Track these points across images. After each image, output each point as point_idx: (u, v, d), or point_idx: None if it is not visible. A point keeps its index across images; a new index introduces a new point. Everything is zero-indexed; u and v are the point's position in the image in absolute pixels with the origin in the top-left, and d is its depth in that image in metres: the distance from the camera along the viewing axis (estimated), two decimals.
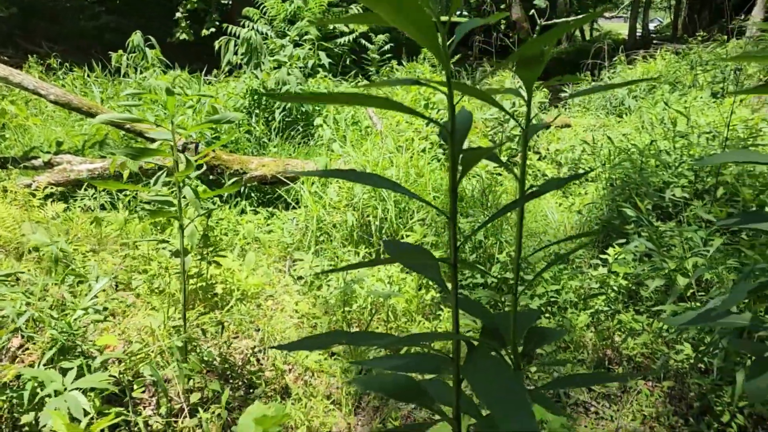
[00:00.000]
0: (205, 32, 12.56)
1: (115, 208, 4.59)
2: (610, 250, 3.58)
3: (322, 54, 6.93)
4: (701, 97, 7.01)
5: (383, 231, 4.09)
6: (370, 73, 9.86)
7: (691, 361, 3.08)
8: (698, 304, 3.31)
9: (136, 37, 7.89)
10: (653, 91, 7.97)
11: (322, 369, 2.64)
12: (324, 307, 3.37)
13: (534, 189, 0.97)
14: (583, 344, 3.33)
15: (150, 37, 8.10)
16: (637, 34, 19.82)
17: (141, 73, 7.63)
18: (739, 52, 9.10)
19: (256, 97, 6.13)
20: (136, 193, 4.53)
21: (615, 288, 3.50)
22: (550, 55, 0.94)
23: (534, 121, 6.82)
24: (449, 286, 1.06)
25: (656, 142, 4.96)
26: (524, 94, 0.98)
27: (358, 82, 7.85)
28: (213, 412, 2.20)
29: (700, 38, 10.66)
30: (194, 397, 2.22)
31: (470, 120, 0.94)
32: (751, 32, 11.17)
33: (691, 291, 3.44)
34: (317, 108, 6.25)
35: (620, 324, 3.37)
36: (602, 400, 2.97)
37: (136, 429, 2.07)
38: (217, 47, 8.14)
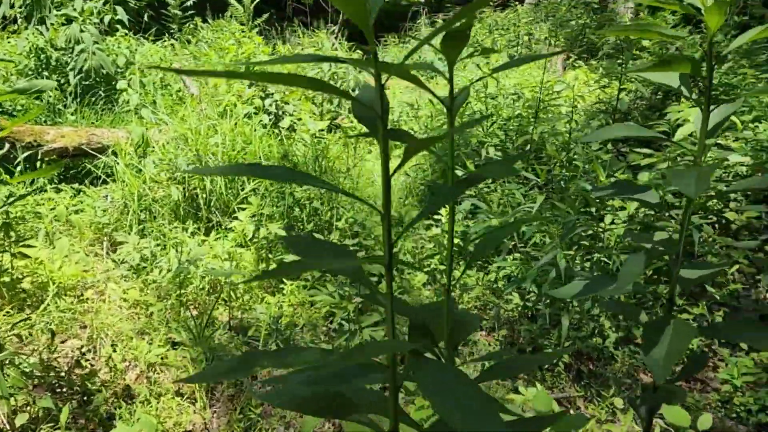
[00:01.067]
0: None
1: None
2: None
3: (120, 9, 6.23)
4: (502, 60, 7.54)
5: (212, 204, 3.84)
6: (172, 30, 9.13)
7: (520, 308, 3.35)
8: (520, 255, 3.60)
9: None
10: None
11: (168, 363, 2.42)
12: (156, 292, 3.09)
13: (465, 175, 0.91)
14: (420, 302, 3.46)
15: None
16: None
17: None
18: (527, 16, 9.96)
19: (43, 57, 5.34)
20: None
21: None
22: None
23: (352, 82, 6.78)
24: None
25: (470, 103, 5.24)
26: (441, 70, 0.93)
27: (164, 41, 7.21)
28: None
29: (493, 3, 11.43)
30: (20, 419, 1.90)
31: (387, 102, 0.86)
32: None
33: (513, 243, 3.74)
34: (119, 69, 5.63)
35: (455, 280, 3.55)
36: None
37: None
38: None
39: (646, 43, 5.96)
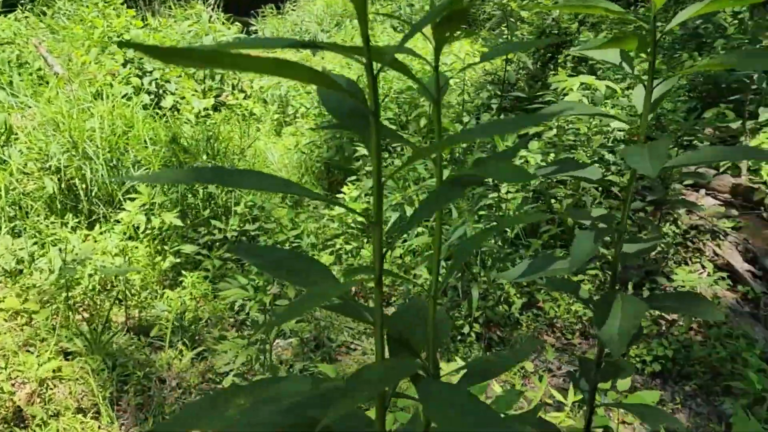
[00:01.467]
0: None
1: None
2: (345, 188, 3.66)
3: None
4: (385, 29, 7.50)
5: (93, 194, 3.51)
6: (23, 1, 8.21)
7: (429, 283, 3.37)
8: (424, 229, 3.62)
9: None
10: (342, 26, 8.26)
11: (63, 376, 2.19)
12: (38, 297, 2.78)
13: (456, 177, 0.85)
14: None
15: None
16: None
17: None
18: None
19: None
20: None
21: (353, 225, 3.60)
22: None
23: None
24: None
25: (361, 76, 5.16)
26: (420, 55, 0.84)
27: (27, 16, 6.47)
28: None
29: None
30: None
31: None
32: None
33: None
34: None
35: (362, 259, 3.50)
36: (360, 336, 3.09)
37: None
38: None
39: (525, 14, 6.14)
